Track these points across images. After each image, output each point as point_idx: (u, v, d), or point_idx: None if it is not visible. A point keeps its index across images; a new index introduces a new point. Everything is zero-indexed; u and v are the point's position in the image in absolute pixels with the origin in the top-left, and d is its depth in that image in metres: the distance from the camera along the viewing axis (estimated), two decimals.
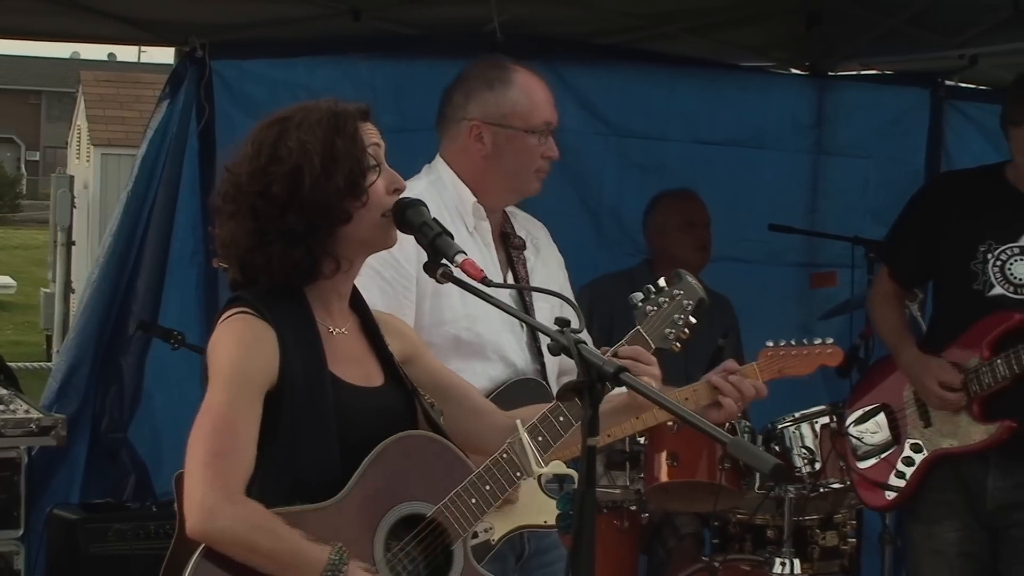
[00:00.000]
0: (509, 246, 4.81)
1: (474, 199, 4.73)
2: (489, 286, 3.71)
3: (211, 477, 3.50)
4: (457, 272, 3.72)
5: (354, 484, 3.63)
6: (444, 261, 3.73)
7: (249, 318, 3.62)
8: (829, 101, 8.00)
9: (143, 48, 24.24)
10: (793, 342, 4.99)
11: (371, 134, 3.75)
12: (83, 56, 48.32)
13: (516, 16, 6.65)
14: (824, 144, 7.98)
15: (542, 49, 6.42)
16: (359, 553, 3.61)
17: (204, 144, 6.80)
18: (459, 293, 3.91)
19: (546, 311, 4.58)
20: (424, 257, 3.84)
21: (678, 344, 4.16)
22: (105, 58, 43.70)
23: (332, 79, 6.98)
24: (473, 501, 3.75)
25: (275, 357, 3.60)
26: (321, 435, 3.63)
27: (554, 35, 7.10)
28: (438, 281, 3.81)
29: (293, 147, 3.60)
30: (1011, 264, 5.59)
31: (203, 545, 3.51)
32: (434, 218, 3.78)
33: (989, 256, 5.60)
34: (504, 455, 3.83)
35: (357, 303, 3.87)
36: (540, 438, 3.89)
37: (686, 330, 4.17)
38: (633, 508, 6.42)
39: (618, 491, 6.35)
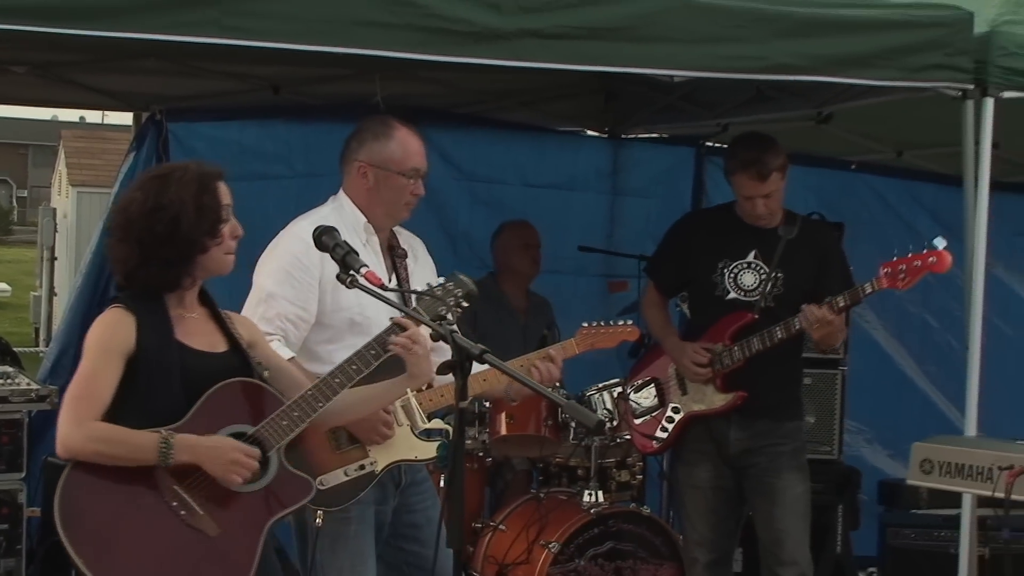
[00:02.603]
0: (395, 255, 4.80)
1: (364, 220, 4.72)
2: (386, 290, 3.78)
3: (69, 414, 3.74)
4: (361, 280, 3.79)
5: (192, 413, 3.81)
6: (352, 272, 3.81)
7: (116, 310, 3.84)
8: (622, 156, 8.04)
9: (106, 112, 23.88)
10: (603, 322, 5.10)
11: (225, 195, 3.93)
12: (61, 118, 47.43)
13: (394, 92, 6.63)
14: (618, 187, 8.00)
15: (414, 116, 6.36)
16: None
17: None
18: None
19: None
20: (328, 263, 4.06)
21: (450, 317, 4.17)
22: (77, 120, 43.01)
23: (258, 137, 6.95)
24: (285, 423, 3.89)
25: (132, 333, 3.78)
26: (168, 383, 3.81)
27: (422, 106, 7.08)
28: (347, 287, 3.88)
29: (173, 199, 3.78)
30: (741, 275, 5.65)
31: (72, 461, 3.73)
32: (344, 240, 3.87)
33: (725, 270, 5.66)
34: (308, 392, 3.95)
35: (205, 299, 4.02)
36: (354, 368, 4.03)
37: (457, 309, 4.20)
38: (481, 454, 6.44)
39: (470, 441, 6.37)
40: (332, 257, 3.97)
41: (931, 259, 5.20)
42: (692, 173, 8.09)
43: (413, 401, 4.57)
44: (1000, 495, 4.56)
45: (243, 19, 4.33)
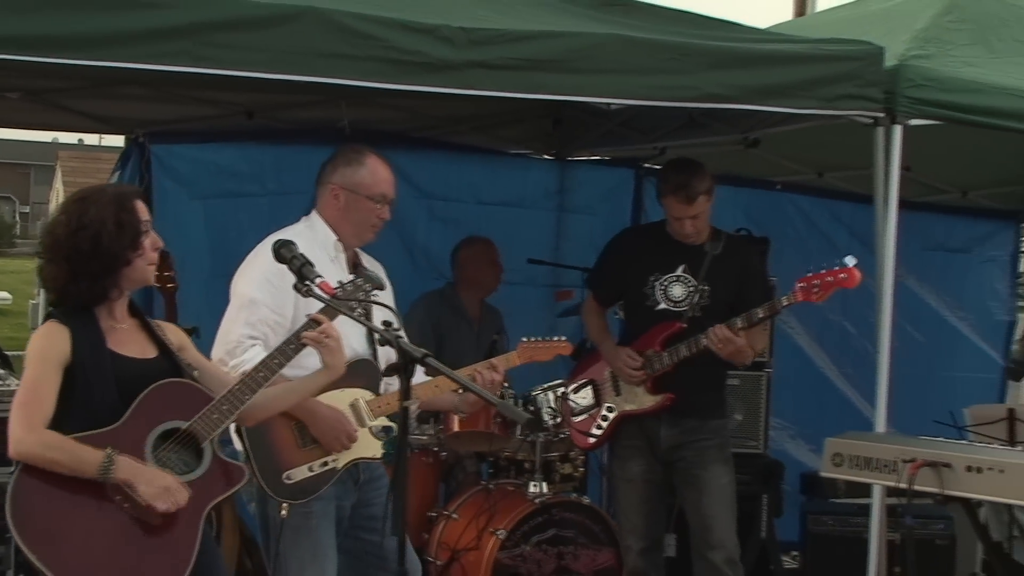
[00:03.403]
0: (359, 274, 4.78)
1: (335, 238, 4.74)
2: (339, 299, 3.77)
3: (18, 419, 3.73)
4: (316, 290, 3.78)
5: (128, 415, 3.80)
6: (307, 283, 3.80)
7: (51, 323, 3.84)
8: (568, 177, 8.01)
9: (102, 136, 23.76)
10: (541, 338, 5.13)
11: (143, 211, 3.94)
12: (61, 140, 47.14)
13: (359, 116, 6.62)
14: (565, 205, 7.97)
15: (377, 139, 6.38)
16: (133, 453, 3.77)
17: (144, 203, 6.65)
18: None
19: (380, 316, 4.57)
20: None
21: (363, 310, 4.20)
22: (75, 142, 42.67)
23: (233, 158, 6.89)
24: (215, 416, 3.88)
25: (67, 343, 3.78)
26: (104, 388, 3.80)
27: (384, 130, 7.07)
28: (303, 296, 3.87)
29: (94, 218, 3.79)
30: (670, 288, 5.68)
31: (21, 464, 3.71)
32: (301, 252, 3.87)
33: (656, 283, 5.69)
34: (235, 387, 3.93)
35: (135, 310, 4.02)
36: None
37: (368, 302, 4.23)
38: (436, 449, 6.43)
39: (426, 437, 6.37)
40: (289, 268, 3.98)
41: (842, 275, 5.25)
42: (632, 192, 8.08)
43: (362, 403, 4.58)
44: (903, 485, 4.60)
45: (214, 50, 4.31)
